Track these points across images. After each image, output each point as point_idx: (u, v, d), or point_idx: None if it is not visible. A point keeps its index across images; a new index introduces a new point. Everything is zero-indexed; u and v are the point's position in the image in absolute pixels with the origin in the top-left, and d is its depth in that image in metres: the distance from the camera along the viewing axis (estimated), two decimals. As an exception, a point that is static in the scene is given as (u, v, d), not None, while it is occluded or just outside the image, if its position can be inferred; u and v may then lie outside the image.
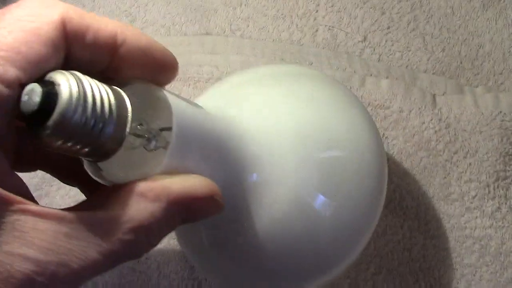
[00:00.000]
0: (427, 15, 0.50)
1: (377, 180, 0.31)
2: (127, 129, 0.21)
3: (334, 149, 0.29)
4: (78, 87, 0.20)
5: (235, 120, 0.27)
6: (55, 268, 0.18)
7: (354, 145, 0.30)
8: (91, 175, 0.23)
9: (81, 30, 0.21)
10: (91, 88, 0.20)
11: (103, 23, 0.22)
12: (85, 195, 0.28)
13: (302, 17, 0.48)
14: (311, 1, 0.49)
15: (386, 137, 0.45)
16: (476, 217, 0.43)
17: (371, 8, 0.49)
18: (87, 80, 0.20)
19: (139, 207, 0.21)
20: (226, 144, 0.26)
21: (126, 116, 0.21)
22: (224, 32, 0.49)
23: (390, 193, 0.43)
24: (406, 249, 0.42)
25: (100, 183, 0.23)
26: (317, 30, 0.48)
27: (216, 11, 0.49)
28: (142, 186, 0.21)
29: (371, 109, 0.45)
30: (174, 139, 0.22)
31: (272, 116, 0.28)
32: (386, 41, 0.48)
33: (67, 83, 0.19)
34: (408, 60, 0.48)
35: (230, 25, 0.49)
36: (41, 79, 0.20)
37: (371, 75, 0.47)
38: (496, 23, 0.50)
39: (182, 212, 0.22)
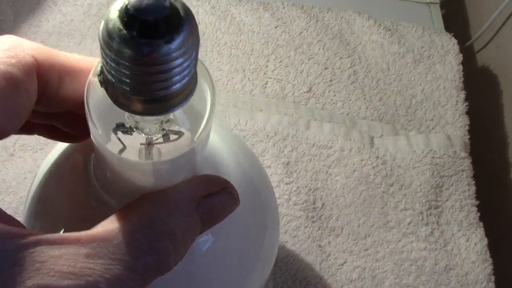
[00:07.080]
0: (365, 70, 0.56)
1: (255, 215, 0.31)
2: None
3: None
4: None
5: None
6: None
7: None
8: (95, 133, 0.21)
9: (52, 70, 0.22)
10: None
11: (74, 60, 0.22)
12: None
13: (254, 71, 0.55)
14: (261, 58, 0.55)
15: (330, 174, 0.50)
16: (412, 241, 0.47)
17: (315, 63, 0.56)
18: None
19: (154, 214, 0.20)
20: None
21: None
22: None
23: (333, 222, 0.48)
24: (348, 272, 0.46)
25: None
26: (266, 83, 0.54)
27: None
28: (150, 195, 0.21)
29: (316, 149, 0.51)
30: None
31: None
32: (329, 92, 0.55)
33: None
34: (349, 108, 0.54)
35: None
36: None
37: (315, 120, 0.52)
38: (426, 77, 0.57)
39: (200, 212, 0.22)
